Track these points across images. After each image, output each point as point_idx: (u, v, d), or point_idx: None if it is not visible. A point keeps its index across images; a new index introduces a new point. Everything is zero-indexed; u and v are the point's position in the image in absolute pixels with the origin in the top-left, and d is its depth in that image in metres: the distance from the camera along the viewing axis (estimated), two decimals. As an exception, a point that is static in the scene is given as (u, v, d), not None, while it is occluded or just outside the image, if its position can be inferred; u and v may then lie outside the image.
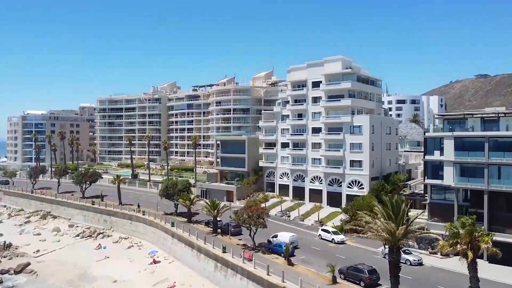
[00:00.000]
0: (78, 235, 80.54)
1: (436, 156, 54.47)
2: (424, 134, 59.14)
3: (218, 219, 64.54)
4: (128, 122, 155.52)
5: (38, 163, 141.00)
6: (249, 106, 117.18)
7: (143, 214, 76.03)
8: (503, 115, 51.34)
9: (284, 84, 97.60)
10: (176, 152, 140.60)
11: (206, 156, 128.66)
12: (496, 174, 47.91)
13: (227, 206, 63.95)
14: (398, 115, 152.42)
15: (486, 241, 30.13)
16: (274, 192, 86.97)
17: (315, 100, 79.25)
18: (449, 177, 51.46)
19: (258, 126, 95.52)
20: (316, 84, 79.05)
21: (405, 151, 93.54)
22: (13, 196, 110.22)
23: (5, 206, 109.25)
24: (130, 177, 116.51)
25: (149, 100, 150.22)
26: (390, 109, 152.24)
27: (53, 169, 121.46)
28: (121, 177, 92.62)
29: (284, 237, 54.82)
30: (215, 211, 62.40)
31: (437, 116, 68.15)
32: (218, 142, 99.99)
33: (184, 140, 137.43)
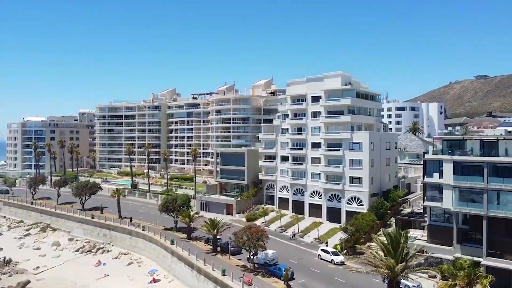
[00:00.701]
0: (77, 250, 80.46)
1: (435, 178, 54.56)
2: (424, 155, 59.11)
3: (218, 236, 64.66)
4: (127, 130, 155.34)
5: (38, 170, 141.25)
6: (248, 115, 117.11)
7: (143, 230, 76.03)
8: (502, 138, 51.34)
9: (283, 97, 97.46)
10: (176, 160, 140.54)
11: (205, 165, 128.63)
12: (495, 199, 47.88)
13: (227, 225, 63.95)
14: (398, 122, 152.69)
15: (484, 284, 30.23)
16: (273, 205, 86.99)
17: (315, 114, 79.26)
18: (448, 200, 51.43)
19: (258, 136, 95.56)
20: (315, 99, 79.04)
21: (404, 163, 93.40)
22: (13, 207, 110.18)
23: (4, 217, 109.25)
24: (130, 187, 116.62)
25: (148, 107, 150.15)
26: (389, 116, 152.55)
27: (53, 179, 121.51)
28: (121, 189, 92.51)
29: (265, 254, 55.88)
30: (215, 230, 62.53)
31: (436, 137, 68.18)
32: (218, 152, 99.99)
33: (184, 148, 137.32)
